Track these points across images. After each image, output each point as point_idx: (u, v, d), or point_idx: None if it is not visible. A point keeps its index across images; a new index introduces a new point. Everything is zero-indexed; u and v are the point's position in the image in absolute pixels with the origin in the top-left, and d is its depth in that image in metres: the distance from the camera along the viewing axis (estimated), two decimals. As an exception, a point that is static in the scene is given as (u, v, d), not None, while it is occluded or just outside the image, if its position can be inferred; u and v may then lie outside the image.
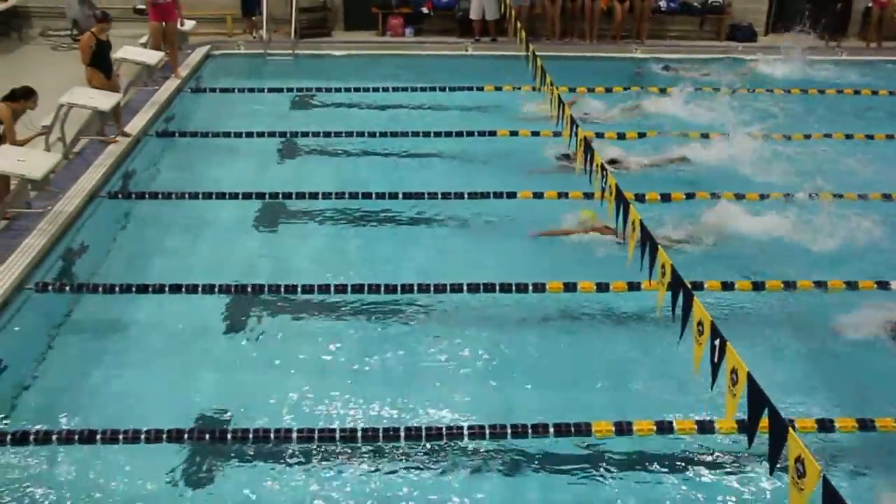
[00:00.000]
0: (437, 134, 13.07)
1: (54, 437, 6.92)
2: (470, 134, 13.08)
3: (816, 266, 9.58)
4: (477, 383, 7.95)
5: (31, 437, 6.93)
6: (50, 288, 9.02)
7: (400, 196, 11.00)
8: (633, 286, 8.74)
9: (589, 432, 7.05)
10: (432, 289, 8.96)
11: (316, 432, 7.05)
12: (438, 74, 16.05)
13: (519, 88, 14.93)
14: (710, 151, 12.54)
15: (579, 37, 18.55)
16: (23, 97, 10.31)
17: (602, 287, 8.94)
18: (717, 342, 5.67)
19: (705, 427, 7.11)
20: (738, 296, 9.10)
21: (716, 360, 5.65)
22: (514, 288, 8.95)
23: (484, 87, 15.24)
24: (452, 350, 8.38)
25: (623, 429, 7.06)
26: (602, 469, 6.94)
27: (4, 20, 18.11)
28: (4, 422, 7.33)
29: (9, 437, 6.93)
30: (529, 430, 7.02)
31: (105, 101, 12.13)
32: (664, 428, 7.08)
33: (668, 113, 14.40)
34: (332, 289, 8.98)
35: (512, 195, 10.93)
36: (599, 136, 12.87)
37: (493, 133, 13.10)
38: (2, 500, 6.50)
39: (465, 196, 10.98)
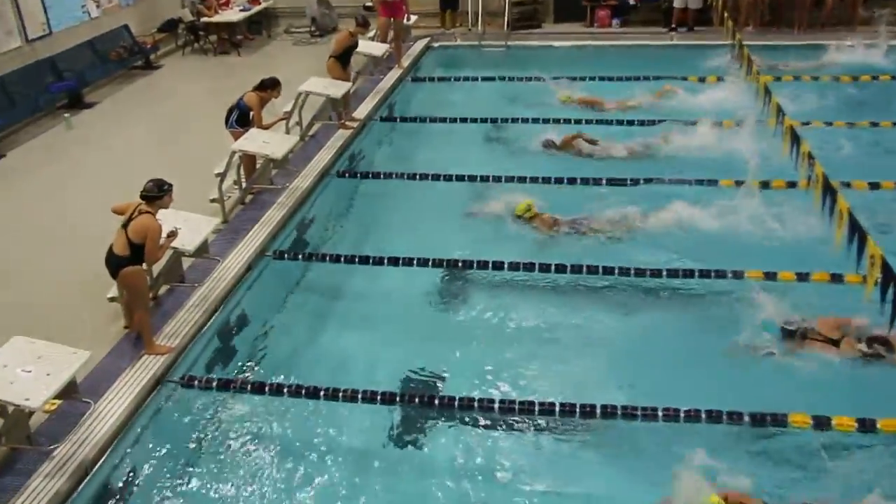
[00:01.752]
0: (643, 122, 12.57)
1: (285, 390, 7.23)
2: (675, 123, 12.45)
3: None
4: (660, 365, 7.58)
5: (266, 388, 7.28)
6: (285, 256, 9.37)
7: (604, 182, 10.71)
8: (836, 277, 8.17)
9: (785, 423, 6.60)
10: (617, 271, 8.72)
11: (516, 404, 6.96)
12: (643, 64, 15.41)
13: (722, 79, 14.08)
14: (695, 138, 11.60)
15: (787, 25, 17.25)
16: (270, 87, 10.68)
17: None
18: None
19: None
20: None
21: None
22: (713, 274, 8.55)
23: (687, 77, 14.45)
24: (631, 330, 8.09)
25: (822, 423, 6.55)
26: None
27: (258, 20, 19.16)
28: (245, 371, 7.73)
29: (249, 385, 7.33)
30: (724, 417, 6.64)
31: (337, 89, 12.51)
32: (866, 426, 6.51)
33: (695, 102, 13.22)
34: (537, 267, 8.83)
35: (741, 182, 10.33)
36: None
37: (693, 123, 12.39)
38: (235, 439, 6.86)
39: (667, 181, 10.53)
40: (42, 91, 14.03)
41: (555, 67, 15.07)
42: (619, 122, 12.79)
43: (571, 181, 10.73)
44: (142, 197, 7.22)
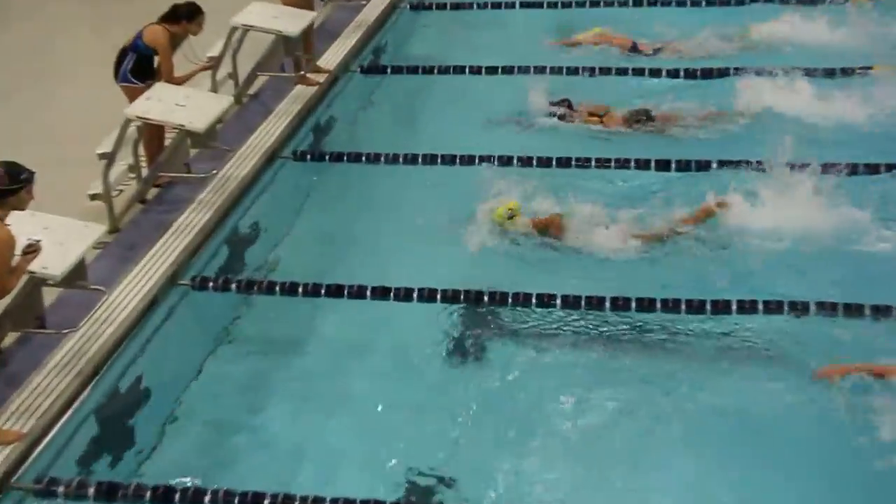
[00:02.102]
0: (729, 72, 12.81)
1: (208, 498, 7.07)
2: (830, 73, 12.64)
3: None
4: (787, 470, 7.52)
5: (177, 497, 7.11)
6: (211, 285, 9.28)
7: (693, 167, 10.87)
8: None
9: None
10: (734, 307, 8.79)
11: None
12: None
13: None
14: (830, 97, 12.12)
15: None
16: (186, 17, 10.56)
17: None
18: None
19: None
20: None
21: None
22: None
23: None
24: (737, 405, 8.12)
25: None
26: None
27: None
28: (143, 471, 7.59)
29: (149, 493, 7.15)
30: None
31: (294, 22, 12.38)
32: None
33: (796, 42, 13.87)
34: (608, 304, 8.90)
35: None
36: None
37: (866, 68, 12.51)
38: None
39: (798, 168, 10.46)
40: None
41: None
42: (683, 74, 13.14)
43: (603, 164, 11.07)
44: (-19, 191, 7.18)
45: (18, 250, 7.20)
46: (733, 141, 11.62)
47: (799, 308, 8.68)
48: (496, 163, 11.10)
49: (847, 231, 9.76)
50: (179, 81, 10.68)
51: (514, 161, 11.14)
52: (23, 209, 7.27)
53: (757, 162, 10.59)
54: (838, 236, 9.70)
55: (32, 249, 7.43)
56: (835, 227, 9.78)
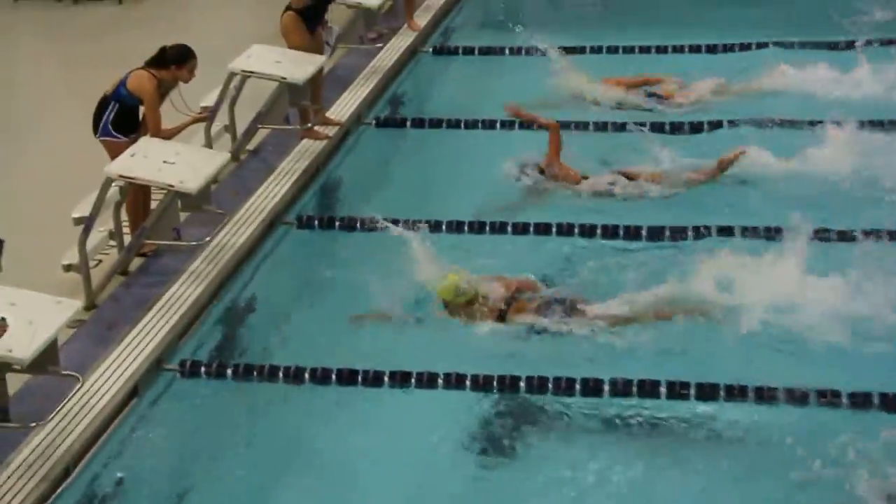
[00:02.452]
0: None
1: None
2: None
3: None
4: None
5: None
6: (203, 370, 9.20)
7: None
8: None
9: None
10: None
11: None
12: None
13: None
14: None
15: None
16: (175, 62, 10.61)
17: None
18: None
19: None
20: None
21: None
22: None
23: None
24: None
25: None
26: None
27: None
28: None
29: None
30: None
31: (299, 68, 12.37)
32: None
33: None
34: (664, 390, 8.76)
35: None
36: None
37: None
38: None
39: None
40: None
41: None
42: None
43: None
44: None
45: None
46: (736, 205, 11.66)
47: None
48: (532, 231, 11.16)
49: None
50: (168, 135, 10.72)
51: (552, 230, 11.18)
52: None
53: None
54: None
55: None
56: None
